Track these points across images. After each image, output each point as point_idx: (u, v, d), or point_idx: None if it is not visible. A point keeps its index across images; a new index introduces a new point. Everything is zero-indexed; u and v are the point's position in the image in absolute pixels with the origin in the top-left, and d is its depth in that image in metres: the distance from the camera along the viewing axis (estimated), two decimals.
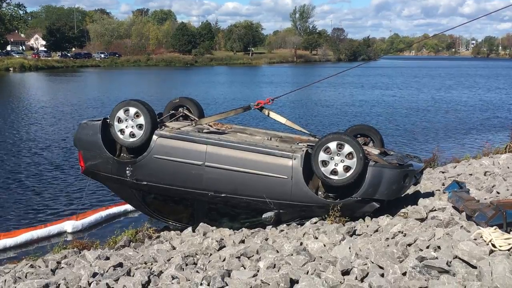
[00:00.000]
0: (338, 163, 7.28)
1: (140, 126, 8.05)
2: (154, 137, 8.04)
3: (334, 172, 7.31)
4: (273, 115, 8.85)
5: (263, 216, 7.80)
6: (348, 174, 7.24)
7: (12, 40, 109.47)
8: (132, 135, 8.10)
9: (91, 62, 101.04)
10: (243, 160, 7.72)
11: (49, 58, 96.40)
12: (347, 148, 7.23)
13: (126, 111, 8.09)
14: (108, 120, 8.32)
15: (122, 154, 8.52)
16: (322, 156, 7.32)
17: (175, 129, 8.36)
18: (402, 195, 7.93)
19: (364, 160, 7.21)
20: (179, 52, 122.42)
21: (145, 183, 8.19)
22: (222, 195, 7.91)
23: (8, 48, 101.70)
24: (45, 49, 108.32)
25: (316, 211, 7.64)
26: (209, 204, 8.32)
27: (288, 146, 8.03)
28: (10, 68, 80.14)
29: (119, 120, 8.12)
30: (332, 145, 7.28)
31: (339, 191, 7.57)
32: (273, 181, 7.62)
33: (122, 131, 8.14)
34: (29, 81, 62.68)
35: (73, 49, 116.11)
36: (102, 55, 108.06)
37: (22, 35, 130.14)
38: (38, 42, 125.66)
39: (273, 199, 7.69)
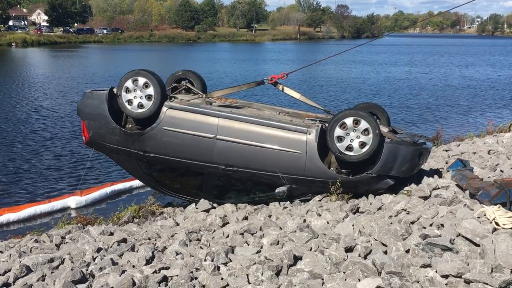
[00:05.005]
0: (353, 139, 7.26)
1: (149, 97, 7.87)
2: (164, 108, 7.89)
3: (349, 148, 7.29)
4: (287, 90, 8.76)
5: (276, 191, 7.76)
6: (364, 150, 7.23)
7: (14, 15, 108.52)
8: (140, 105, 7.92)
9: (93, 38, 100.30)
10: (256, 134, 7.65)
11: (52, 34, 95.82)
12: (363, 124, 7.19)
13: (135, 81, 7.88)
14: (114, 90, 8.17)
15: (127, 125, 8.38)
16: (338, 131, 7.28)
17: (184, 101, 8.24)
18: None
19: (380, 137, 7.20)
20: (182, 28, 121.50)
21: (153, 155, 8.08)
22: (233, 168, 7.83)
23: (10, 23, 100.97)
24: (47, 25, 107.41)
25: (328, 187, 7.61)
26: (219, 178, 8.21)
27: (301, 121, 7.94)
28: (12, 43, 79.78)
29: (127, 90, 7.92)
30: (349, 121, 7.24)
31: (352, 167, 7.55)
32: (286, 155, 7.57)
33: (130, 101, 7.94)
34: (31, 56, 62.27)
35: (76, 24, 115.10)
36: (105, 31, 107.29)
37: (24, 10, 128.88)
38: (40, 17, 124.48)
39: (286, 174, 7.65)
